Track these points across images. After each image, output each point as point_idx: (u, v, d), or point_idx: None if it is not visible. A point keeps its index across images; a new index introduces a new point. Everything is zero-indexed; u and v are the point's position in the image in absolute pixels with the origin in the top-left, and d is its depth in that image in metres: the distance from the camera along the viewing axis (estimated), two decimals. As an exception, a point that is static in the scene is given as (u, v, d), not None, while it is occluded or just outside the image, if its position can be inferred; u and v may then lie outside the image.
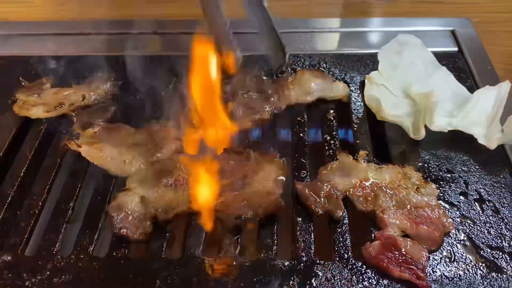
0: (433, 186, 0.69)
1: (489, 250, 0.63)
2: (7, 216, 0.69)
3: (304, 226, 0.66)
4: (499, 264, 0.62)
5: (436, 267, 0.62)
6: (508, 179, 0.72)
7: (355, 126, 0.81)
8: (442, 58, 0.92)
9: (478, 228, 0.66)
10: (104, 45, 0.98)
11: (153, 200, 0.67)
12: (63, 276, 0.61)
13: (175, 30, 1.02)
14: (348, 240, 0.64)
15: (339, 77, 0.90)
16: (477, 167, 0.74)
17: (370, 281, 0.60)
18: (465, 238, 0.65)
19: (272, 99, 0.83)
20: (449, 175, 0.73)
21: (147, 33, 1.01)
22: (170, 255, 0.64)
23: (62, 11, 1.08)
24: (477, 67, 0.92)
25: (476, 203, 0.69)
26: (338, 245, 0.64)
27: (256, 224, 0.66)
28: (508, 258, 0.62)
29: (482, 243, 0.64)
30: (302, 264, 0.62)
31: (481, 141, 0.75)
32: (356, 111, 0.84)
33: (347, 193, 0.68)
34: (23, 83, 0.88)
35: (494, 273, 0.61)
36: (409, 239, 0.63)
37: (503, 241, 0.64)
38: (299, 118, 0.83)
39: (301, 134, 0.80)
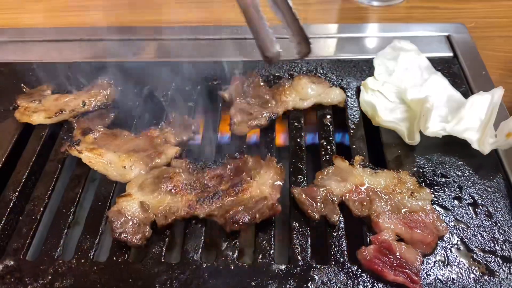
0: (428, 190, 0.70)
1: (482, 254, 0.64)
2: (9, 221, 0.70)
3: (300, 230, 0.67)
4: (492, 268, 0.63)
5: (430, 270, 0.63)
6: (501, 183, 0.73)
7: (351, 131, 0.82)
8: (437, 63, 0.93)
9: (472, 232, 0.67)
10: (104, 51, 0.99)
11: (152, 205, 0.68)
12: (64, 281, 0.62)
13: (175, 36, 1.03)
14: (344, 244, 0.66)
15: (335, 83, 0.91)
16: (470, 172, 0.75)
17: (365, 284, 0.61)
18: (458, 242, 0.66)
19: (269, 104, 0.84)
20: (443, 180, 0.74)
21: (147, 39, 1.02)
22: (169, 259, 0.65)
23: (62, 18, 1.09)
24: (471, 72, 0.93)
25: (469, 208, 0.70)
26: (334, 249, 0.65)
27: (253, 229, 0.67)
28: (501, 262, 0.63)
29: (475, 247, 0.65)
30: (298, 268, 0.63)
31: (475, 146, 0.76)
32: (352, 116, 0.85)
33: (343, 198, 0.69)
34: (24, 90, 0.89)
35: (486, 277, 0.62)
36: (403, 243, 0.64)
37: (496, 244, 0.65)
38: (296, 123, 0.84)
39: (298, 139, 0.81)
